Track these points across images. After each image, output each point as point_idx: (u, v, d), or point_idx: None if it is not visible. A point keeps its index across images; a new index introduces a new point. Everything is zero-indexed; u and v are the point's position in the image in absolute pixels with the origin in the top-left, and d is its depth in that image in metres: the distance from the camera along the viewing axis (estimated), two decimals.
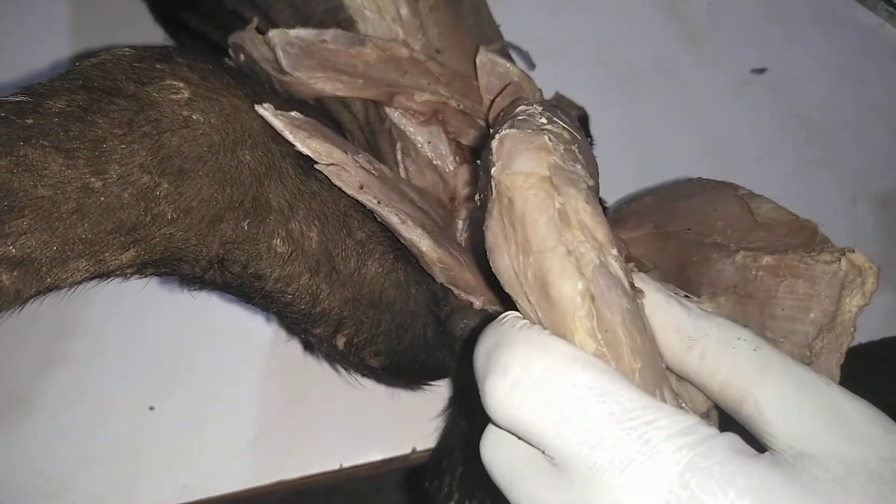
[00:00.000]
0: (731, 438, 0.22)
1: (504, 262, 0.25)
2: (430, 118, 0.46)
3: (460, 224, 0.44)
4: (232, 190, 0.32)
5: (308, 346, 0.47)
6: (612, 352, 0.23)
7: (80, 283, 0.26)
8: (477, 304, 0.39)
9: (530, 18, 0.70)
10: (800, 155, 0.64)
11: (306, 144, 0.34)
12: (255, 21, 0.44)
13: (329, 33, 0.43)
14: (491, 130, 0.30)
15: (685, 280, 0.37)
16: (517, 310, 0.26)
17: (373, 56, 0.44)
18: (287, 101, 0.40)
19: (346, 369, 0.42)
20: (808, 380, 0.24)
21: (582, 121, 0.58)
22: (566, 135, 0.27)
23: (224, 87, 0.34)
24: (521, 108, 0.29)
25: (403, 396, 0.52)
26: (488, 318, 0.40)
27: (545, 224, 0.23)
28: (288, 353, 0.54)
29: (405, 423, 0.53)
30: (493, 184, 0.25)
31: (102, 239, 0.27)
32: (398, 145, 0.43)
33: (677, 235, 0.38)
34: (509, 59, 0.49)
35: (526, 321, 0.25)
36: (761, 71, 0.67)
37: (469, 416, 0.46)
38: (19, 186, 0.23)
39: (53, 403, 0.52)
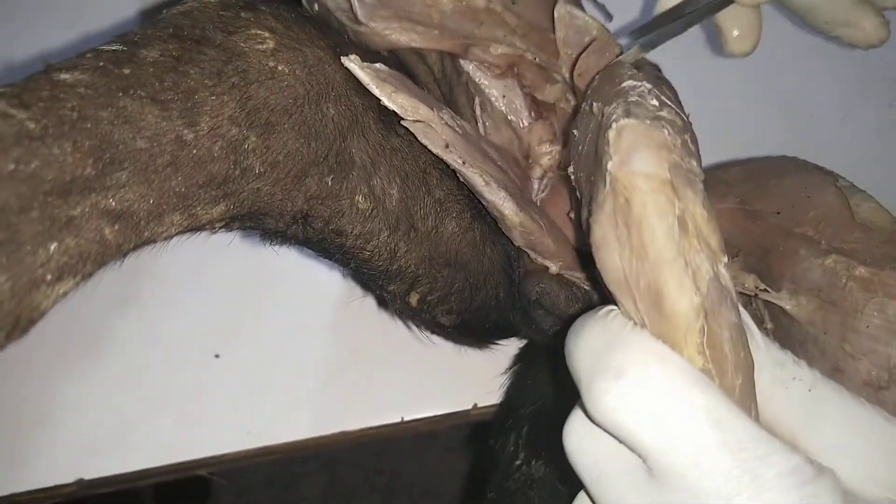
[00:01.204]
0: (833, 479, 0.21)
1: (613, 262, 0.24)
2: (506, 71, 0.45)
3: (535, 184, 0.43)
4: (316, 144, 0.31)
5: (382, 302, 0.46)
6: (717, 368, 0.23)
7: (172, 236, 0.26)
8: (553, 268, 0.38)
9: None
10: (883, 117, 0.61)
11: (392, 99, 0.33)
12: None
13: None
14: (592, 105, 0.29)
15: (766, 268, 0.35)
16: (609, 297, 0.26)
17: (449, 6, 0.42)
18: (365, 52, 0.39)
19: (416, 326, 0.41)
20: (866, 419, 0.23)
21: None
22: (679, 122, 0.26)
23: (307, 38, 0.33)
24: (629, 84, 0.28)
25: (465, 352, 0.52)
26: (564, 284, 0.39)
27: (664, 233, 0.23)
28: (352, 305, 0.55)
29: (466, 378, 0.53)
30: (607, 178, 0.24)
31: (195, 192, 0.26)
32: (476, 100, 0.42)
33: (764, 217, 0.36)
34: (583, 10, 0.47)
35: (633, 323, 0.24)
36: None
37: (540, 384, 0.46)
38: (119, 138, 0.23)
39: (124, 345, 0.53)
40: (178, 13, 0.29)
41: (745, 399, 0.23)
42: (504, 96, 0.45)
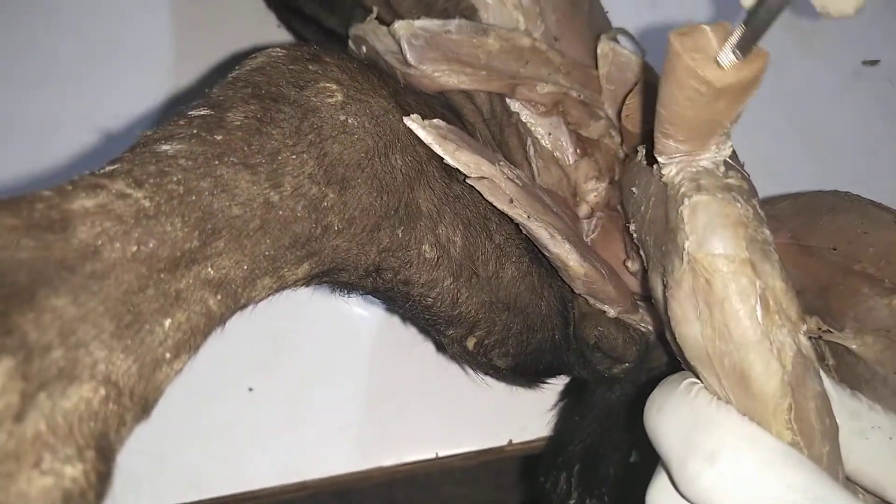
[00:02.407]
0: None
1: (694, 338, 0.24)
2: (551, 109, 0.45)
3: (584, 225, 0.43)
4: (388, 197, 0.31)
5: (440, 347, 0.46)
6: (805, 439, 0.23)
7: (261, 300, 0.26)
8: (612, 313, 0.38)
9: (625, 5, 0.68)
10: None
11: (456, 158, 0.33)
12: (376, 11, 0.43)
13: (453, 24, 0.42)
14: (662, 171, 0.29)
15: (826, 306, 0.36)
16: (674, 354, 0.26)
17: (496, 46, 0.43)
18: (415, 94, 0.40)
19: (472, 368, 0.41)
20: None
21: None
22: (745, 184, 0.26)
23: (370, 88, 0.33)
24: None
25: (501, 388, 0.51)
26: (622, 327, 0.39)
27: (747, 314, 0.23)
28: (386, 339, 0.55)
29: (502, 414, 0.53)
30: (685, 257, 0.24)
31: (282, 255, 0.26)
32: (528, 140, 0.42)
33: (820, 254, 0.37)
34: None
35: (718, 399, 0.24)
36: (874, 63, 0.64)
37: (588, 420, 0.46)
38: (218, 208, 0.23)
39: None
40: (251, 70, 0.29)
41: (833, 465, 0.24)
42: (550, 134, 0.45)
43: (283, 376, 0.54)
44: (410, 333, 0.54)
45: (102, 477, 0.18)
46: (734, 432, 0.23)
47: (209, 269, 0.23)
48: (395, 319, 0.55)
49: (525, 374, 0.42)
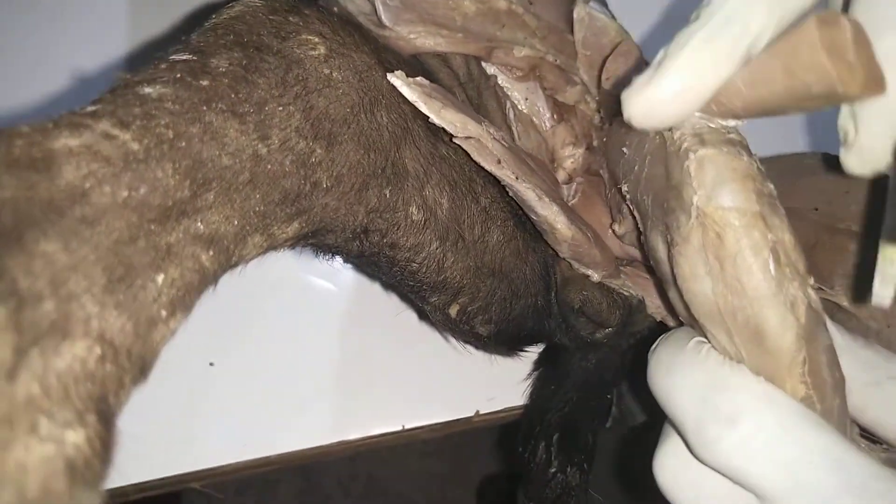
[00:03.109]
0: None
1: (704, 294, 0.24)
2: (528, 74, 0.44)
3: (564, 190, 0.43)
4: (375, 155, 0.30)
5: (422, 315, 0.45)
6: (818, 394, 0.23)
7: (252, 259, 0.24)
8: (596, 276, 0.38)
9: None
10: None
11: (442, 116, 0.32)
12: None
13: None
14: (678, 142, 0.28)
15: (812, 265, 0.36)
16: (672, 312, 0.25)
17: (472, 8, 0.41)
18: (394, 57, 0.38)
19: (453, 336, 0.40)
20: None
21: None
22: (745, 141, 0.26)
23: (353, 43, 0.32)
24: None
25: (467, 359, 0.51)
26: (605, 291, 0.39)
27: (761, 268, 0.22)
28: (350, 311, 0.53)
29: (469, 385, 0.53)
30: (693, 212, 0.23)
31: (272, 211, 0.25)
32: (507, 104, 0.41)
33: (802, 215, 0.37)
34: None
35: (729, 359, 0.24)
36: None
37: (565, 388, 0.45)
38: (209, 157, 0.21)
39: None
40: (231, 18, 0.28)
41: (843, 418, 0.24)
42: (527, 99, 0.44)
43: (244, 350, 0.52)
44: (375, 306, 0.53)
45: (107, 444, 0.16)
46: (752, 394, 0.23)
47: (199, 223, 0.21)
48: (361, 291, 0.53)
49: (506, 341, 0.41)
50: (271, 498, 1.12)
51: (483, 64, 0.43)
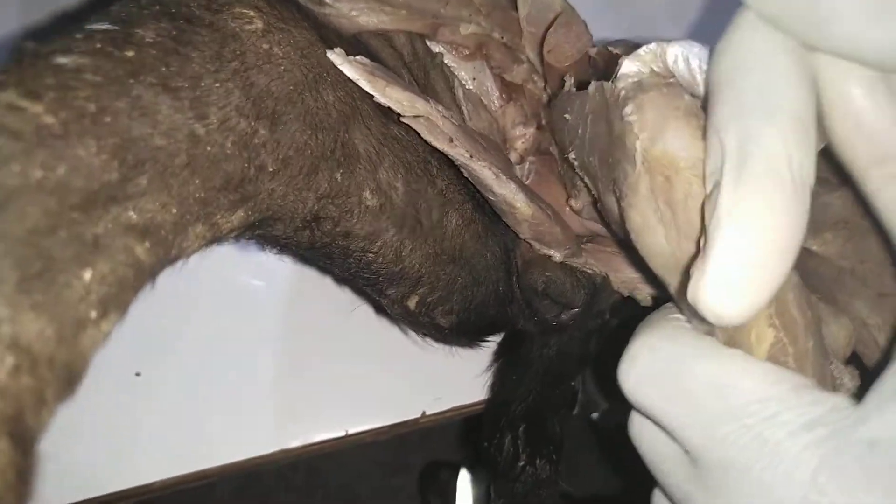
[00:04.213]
0: (869, 423, 0.18)
1: (658, 244, 0.22)
2: (474, 52, 0.42)
3: (517, 169, 0.41)
4: (323, 136, 0.28)
5: (379, 308, 0.43)
6: (789, 335, 0.21)
7: (194, 252, 0.22)
8: (557, 257, 0.36)
9: None
10: None
11: (387, 95, 0.30)
12: None
13: None
14: (605, 86, 0.26)
15: None
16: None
17: None
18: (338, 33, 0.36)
19: (412, 329, 0.38)
20: None
21: None
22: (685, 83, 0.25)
23: (291, 17, 0.29)
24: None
25: (411, 359, 0.49)
26: (568, 271, 0.37)
27: None
28: (283, 315, 0.50)
29: (414, 386, 0.50)
30: (637, 158, 0.22)
31: (214, 198, 0.22)
32: (456, 83, 0.39)
33: None
34: None
35: (674, 311, 0.23)
36: None
37: (527, 378, 0.44)
38: (139, 135, 0.19)
39: None
40: None
41: (818, 359, 0.22)
42: (474, 79, 0.42)
43: (172, 358, 0.48)
44: (313, 306, 0.50)
45: (23, 473, 0.13)
46: (657, 334, 0.22)
47: (131, 212, 0.18)
48: (296, 290, 0.50)
49: (467, 331, 0.39)
50: (208, 493, 1.07)
51: (428, 42, 0.41)
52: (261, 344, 0.49)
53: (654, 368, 0.21)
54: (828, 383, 0.22)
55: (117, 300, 0.17)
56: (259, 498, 1.07)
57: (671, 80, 0.24)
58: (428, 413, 0.50)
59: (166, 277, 0.46)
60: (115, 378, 0.46)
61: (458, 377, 0.50)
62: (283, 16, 0.29)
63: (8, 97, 0.15)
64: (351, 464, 1.10)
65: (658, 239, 0.22)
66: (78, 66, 0.18)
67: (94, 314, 0.16)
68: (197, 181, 0.21)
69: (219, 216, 0.22)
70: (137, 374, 0.47)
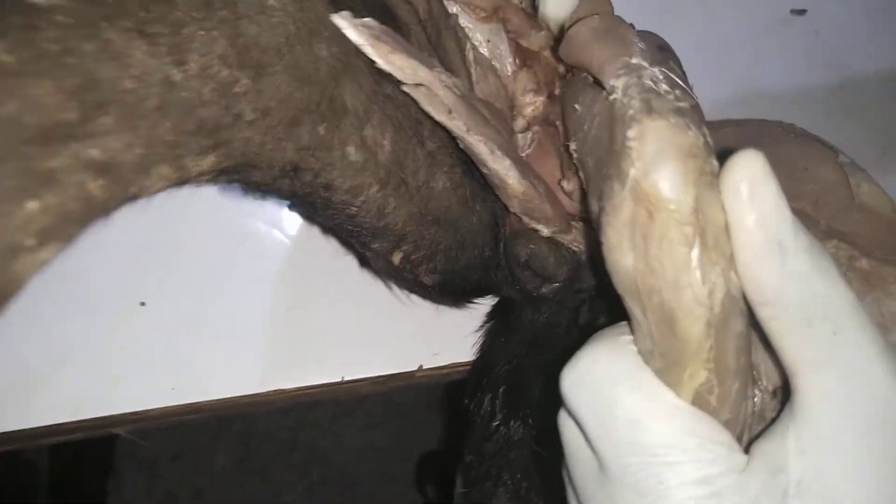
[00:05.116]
0: (747, 492, 0.21)
1: (625, 268, 0.23)
2: (491, 15, 0.42)
3: (519, 138, 0.41)
4: (310, 89, 0.28)
5: (363, 261, 0.44)
6: (718, 377, 0.23)
7: (158, 192, 0.23)
8: (545, 231, 0.37)
9: None
10: (832, 102, 0.62)
11: (390, 61, 0.30)
12: None
13: None
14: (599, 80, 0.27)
15: None
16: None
17: None
18: None
19: (396, 285, 0.39)
20: (876, 385, 0.21)
21: None
22: (696, 106, 0.24)
23: None
24: (639, 62, 0.26)
25: (412, 311, 0.49)
26: (553, 246, 0.38)
27: (683, 258, 0.21)
28: (294, 258, 0.51)
29: (413, 339, 0.51)
30: (627, 182, 0.22)
31: (184, 141, 0.23)
32: (468, 45, 0.39)
33: None
34: None
35: (626, 330, 0.25)
36: (801, 12, 0.64)
37: (514, 342, 0.45)
38: (105, 77, 0.20)
39: (34, 290, 0.48)
40: None
41: (739, 400, 0.24)
42: (489, 41, 0.42)
43: (178, 290, 0.49)
44: (320, 252, 0.50)
45: None
46: (598, 349, 0.24)
47: (92, 149, 0.20)
48: (304, 235, 0.51)
49: (452, 292, 0.40)
50: (209, 466, 1.10)
51: (445, 1, 0.41)
52: (266, 285, 0.50)
53: (588, 381, 0.24)
54: (741, 420, 0.24)
55: (59, 231, 0.18)
56: (258, 472, 1.09)
57: (681, 103, 0.24)
58: (425, 367, 0.51)
59: (177, 214, 0.48)
60: (121, 305, 0.48)
61: (456, 334, 0.50)
62: None
63: None
64: (350, 446, 1.11)
65: (626, 263, 0.23)
66: (51, 7, 0.19)
67: (31, 242, 0.17)
68: (167, 124, 0.22)
69: (188, 159, 0.23)
70: (142, 304, 0.48)
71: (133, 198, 0.21)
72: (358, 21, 0.31)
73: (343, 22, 0.30)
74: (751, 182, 0.21)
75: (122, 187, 0.20)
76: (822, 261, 0.21)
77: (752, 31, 0.63)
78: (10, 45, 0.17)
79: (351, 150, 0.30)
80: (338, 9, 0.32)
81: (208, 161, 0.24)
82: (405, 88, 0.31)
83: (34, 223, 0.17)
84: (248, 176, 0.28)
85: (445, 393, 0.52)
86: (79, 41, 0.19)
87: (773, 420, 0.24)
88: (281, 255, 0.51)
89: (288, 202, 0.31)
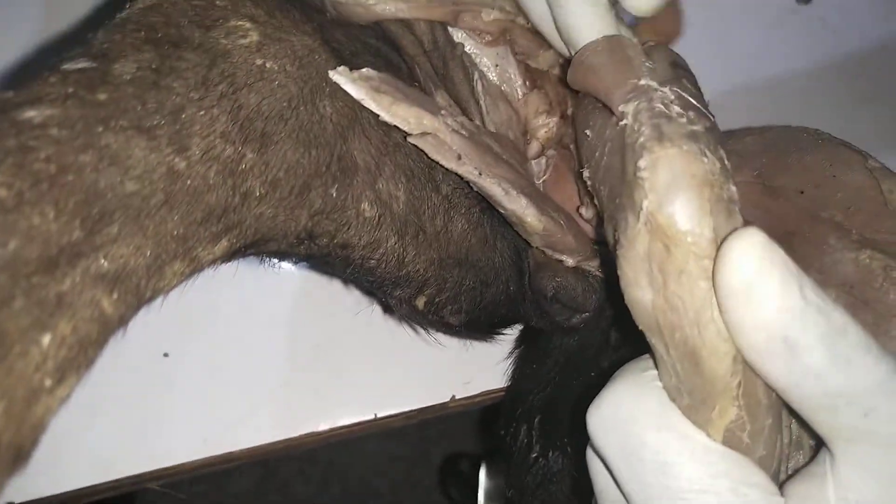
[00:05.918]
0: None
1: (644, 304, 0.22)
2: (498, 38, 0.41)
3: (534, 166, 0.40)
4: (317, 152, 0.27)
5: (386, 308, 0.43)
6: (749, 414, 0.22)
7: (171, 290, 0.22)
8: (570, 262, 0.36)
9: None
10: (840, 90, 0.60)
11: (393, 113, 0.29)
12: None
13: None
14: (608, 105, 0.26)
15: (791, 252, 0.33)
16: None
17: None
18: (346, 28, 0.35)
19: (422, 327, 0.38)
20: None
21: None
22: (712, 126, 0.23)
23: (291, 24, 0.29)
24: (648, 83, 0.24)
25: (441, 343, 0.47)
26: (580, 275, 0.37)
27: (705, 292, 0.20)
28: (315, 296, 0.50)
29: (444, 369, 0.50)
30: (641, 216, 0.21)
31: (194, 232, 0.22)
32: (475, 75, 0.38)
33: (787, 196, 0.34)
34: None
35: (649, 364, 0.24)
36: (807, 1, 0.63)
37: (545, 368, 0.44)
38: (107, 186, 0.19)
39: None
40: (145, 8, 0.25)
41: (773, 435, 0.22)
42: (497, 66, 0.41)
43: (201, 339, 0.48)
44: (342, 291, 0.49)
45: None
46: (624, 389, 0.23)
47: (102, 260, 0.19)
48: (325, 274, 0.50)
49: (479, 328, 0.39)
50: (228, 486, 1.09)
51: (450, 29, 0.39)
52: (289, 325, 0.49)
53: (614, 422, 0.23)
54: (776, 454, 0.23)
55: (77, 361, 0.17)
56: (278, 490, 1.08)
57: (694, 126, 0.22)
58: (458, 397, 0.50)
59: None
60: (144, 358, 0.47)
61: (487, 361, 0.49)
62: (281, 23, 0.28)
63: None
64: (370, 457, 1.10)
65: (645, 299, 0.22)
66: (44, 121, 0.18)
67: (49, 382, 0.16)
68: (175, 218, 0.22)
69: (200, 249, 0.23)
70: (165, 355, 0.47)
71: (148, 302, 0.21)
72: (356, 74, 0.30)
73: (341, 78, 0.29)
74: (747, 280, 0.19)
75: (136, 296, 0.20)
76: (841, 344, 0.19)
77: (759, 21, 0.62)
78: (6, 178, 0.16)
79: (365, 206, 0.30)
80: (338, 57, 0.31)
81: (221, 247, 0.24)
82: (411, 140, 0.30)
83: (50, 359, 0.16)
84: (264, 248, 0.27)
85: (479, 418, 0.51)
86: (76, 154, 0.18)
87: (812, 457, 0.23)
88: (307, 295, 0.50)
89: (305, 263, 0.30)
